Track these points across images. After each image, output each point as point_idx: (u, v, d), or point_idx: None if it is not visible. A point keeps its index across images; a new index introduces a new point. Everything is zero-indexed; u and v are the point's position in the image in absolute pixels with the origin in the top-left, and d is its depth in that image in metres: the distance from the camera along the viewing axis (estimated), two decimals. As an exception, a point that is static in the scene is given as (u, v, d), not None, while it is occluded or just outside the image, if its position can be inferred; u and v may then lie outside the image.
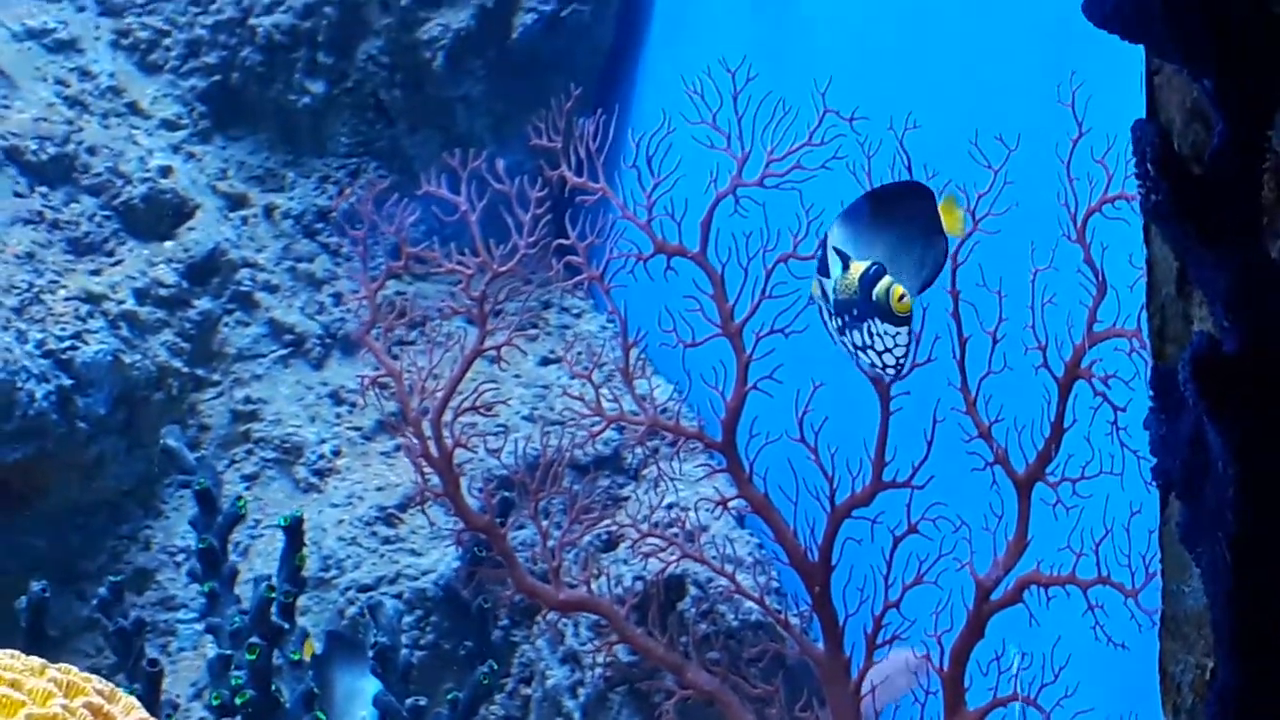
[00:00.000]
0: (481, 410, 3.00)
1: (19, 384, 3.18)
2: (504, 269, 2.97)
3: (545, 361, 3.79)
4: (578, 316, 3.95)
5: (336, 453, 3.66)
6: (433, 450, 2.99)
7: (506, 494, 3.20)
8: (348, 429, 3.70)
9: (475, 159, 3.09)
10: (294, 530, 3.01)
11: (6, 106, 3.57)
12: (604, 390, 3.00)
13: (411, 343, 3.67)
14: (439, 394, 3.00)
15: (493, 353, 3.02)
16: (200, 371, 3.66)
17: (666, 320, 2.90)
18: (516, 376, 3.63)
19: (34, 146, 3.53)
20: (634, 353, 2.98)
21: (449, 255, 3.09)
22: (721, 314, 2.87)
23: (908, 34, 3.20)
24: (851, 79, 3.03)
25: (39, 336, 3.29)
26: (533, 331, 3.67)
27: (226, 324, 3.72)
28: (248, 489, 3.58)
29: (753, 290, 2.86)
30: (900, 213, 2.39)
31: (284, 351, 3.77)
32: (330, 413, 3.72)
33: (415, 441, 2.99)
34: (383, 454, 3.66)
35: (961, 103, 3.03)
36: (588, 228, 2.97)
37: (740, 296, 2.88)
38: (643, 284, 2.91)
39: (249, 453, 3.65)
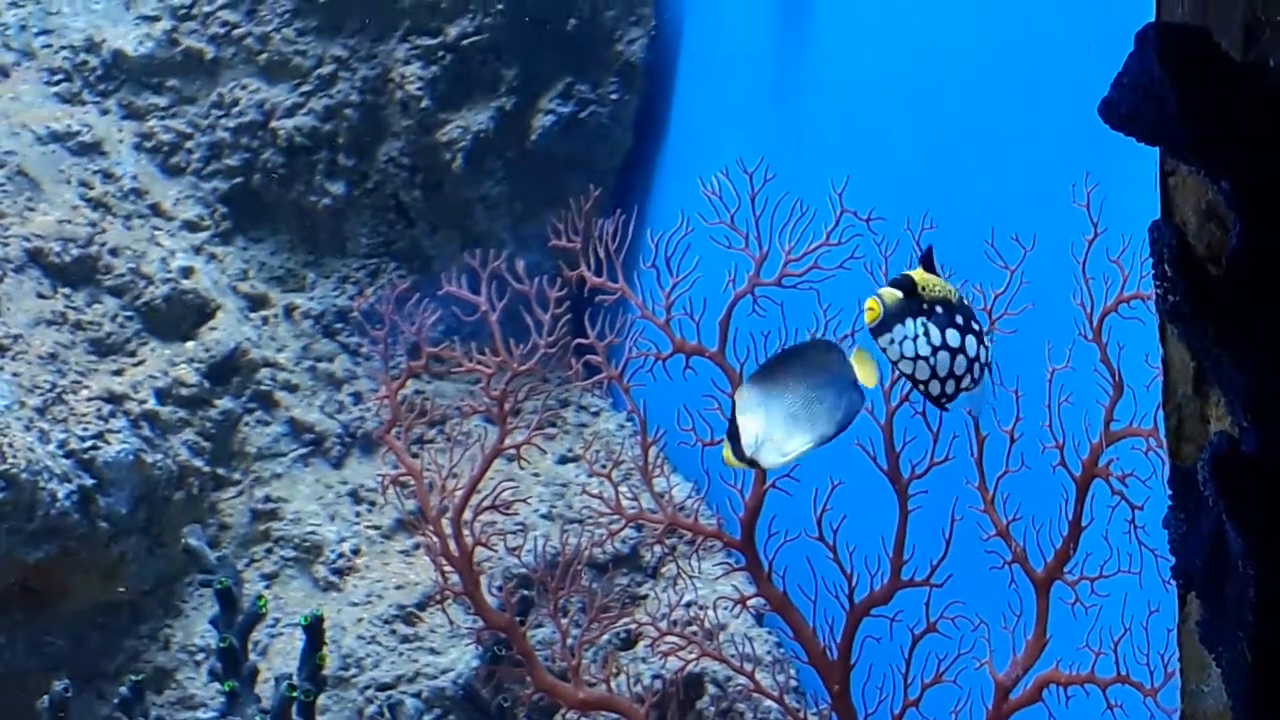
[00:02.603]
0: (501, 509, 3.01)
1: (42, 484, 3.19)
2: (524, 368, 2.99)
3: (563, 460, 3.81)
4: (595, 415, 3.97)
5: (356, 551, 3.67)
6: (453, 549, 3.00)
7: (526, 592, 3.21)
8: (367, 527, 3.71)
9: (495, 259, 3.12)
10: (314, 629, 3.02)
11: (31, 209, 3.60)
12: (622, 488, 3.01)
13: (431, 441, 3.69)
14: (459, 493, 3.01)
15: (512, 451, 3.03)
16: (221, 470, 3.67)
17: (685, 419, 2.91)
18: (535, 474, 3.64)
19: (57, 248, 3.56)
20: (653, 451, 2.99)
21: (469, 354, 3.12)
22: (738, 411, 2.89)
23: (924, 135, 3.23)
24: (868, 179, 3.06)
25: (61, 437, 3.31)
26: (551, 430, 3.68)
27: (247, 423, 3.74)
28: (267, 587, 3.59)
29: (772, 388, 2.88)
30: (812, 364, 2.41)
31: (304, 450, 3.78)
32: (350, 511, 3.73)
33: (435, 540, 3.00)
34: (402, 552, 3.67)
35: (977, 203, 3.05)
36: (607, 327, 3.00)
37: (759, 396, 2.90)
38: (661, 383, 2.93)
39: (269, 551, 3.66)
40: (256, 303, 3.90)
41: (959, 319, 2.28)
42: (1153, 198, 1.71)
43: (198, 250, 3.85)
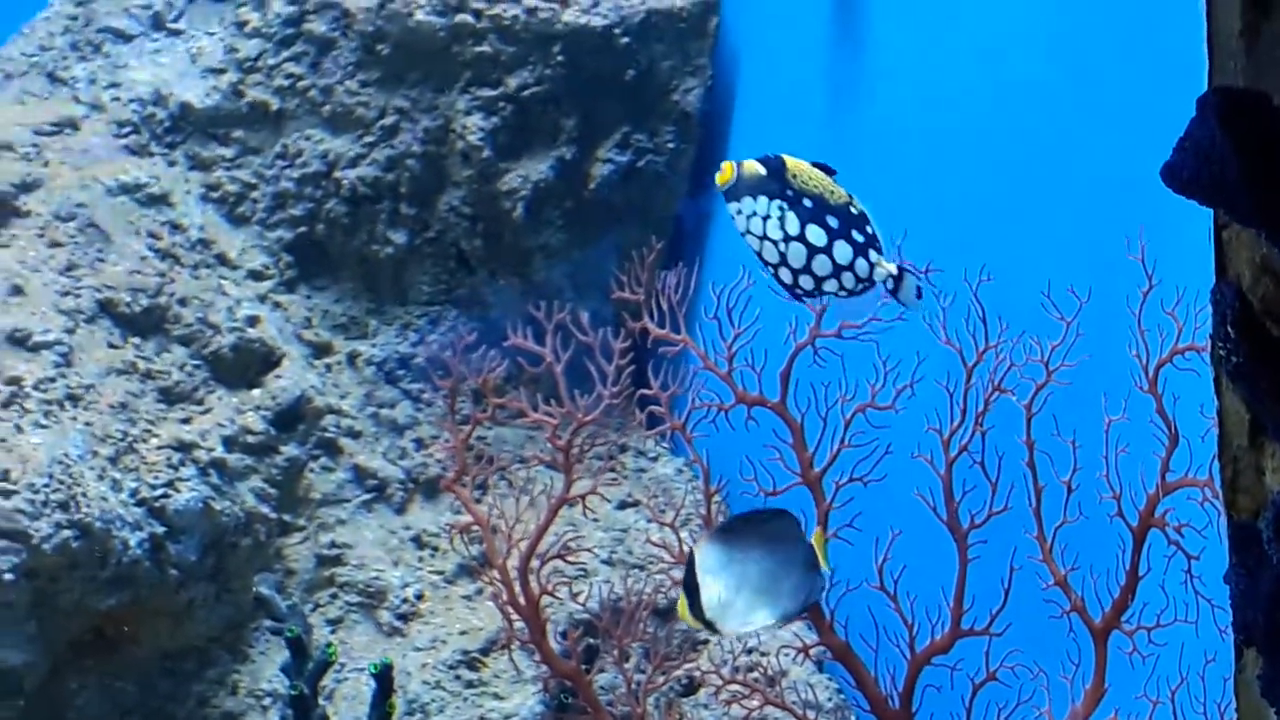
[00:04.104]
0: (567, 559, 3.06)
1: (114, 533, 3.24)
2: (589, 419, 3.04)
3: (623, 505, 3.85)
4: (654, 460, 4.01)
5: (420, 596, 3.72)
6: (519, 597, 3.05)
7: (591, 640, 3.25)
8: (430, 572, 3.76)
9: (559, 310, 3.18)
10: (384, 677, 3.07)
11: (101, 260, 3.66)
12: (683, 533, 3.06)
13: (493, 486, 3.73)
14: (525, 542, 3.06)
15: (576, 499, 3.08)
16: (286, 517, 3.72)
17: (747, 469, 2.96)
18: (595, 520, 3.68)
19: (127, 299, 3.62)
20: (715, 499, 3.04)
21: (534, 404, 3.17)
22: (801, 462, 2.94)
23: (981, 188, 3.27)
24: (925, 231, 3.10)
25: (133, 485, 3.36)
26: (610, 475, 3.72)
27: (312, 469, 3.79)
28: (333, 633, 3.63)
29: (831, 439, 2.93)
30: (775, 536, 2.43)
31: (367, 496, 3.84)
32: (413, 556, 3.78)
33: (502, 588, 3.05)
34: (464, 597, 3.72)
35: (1034, 255, 3.09)
36: (669, 377, 3.05)
37: (819, 445, 2.95)
38: (723, 432, 2.98)
39: (334, 597, 3.71)
40: (320, 350, 3.96)
41: (833, 221, 2.30)
42: (1205, 251, 1.75)
43: (263, 299, 3.90)
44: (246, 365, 3.76)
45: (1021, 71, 3.16)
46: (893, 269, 2.36)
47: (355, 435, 3.88)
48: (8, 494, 3.09)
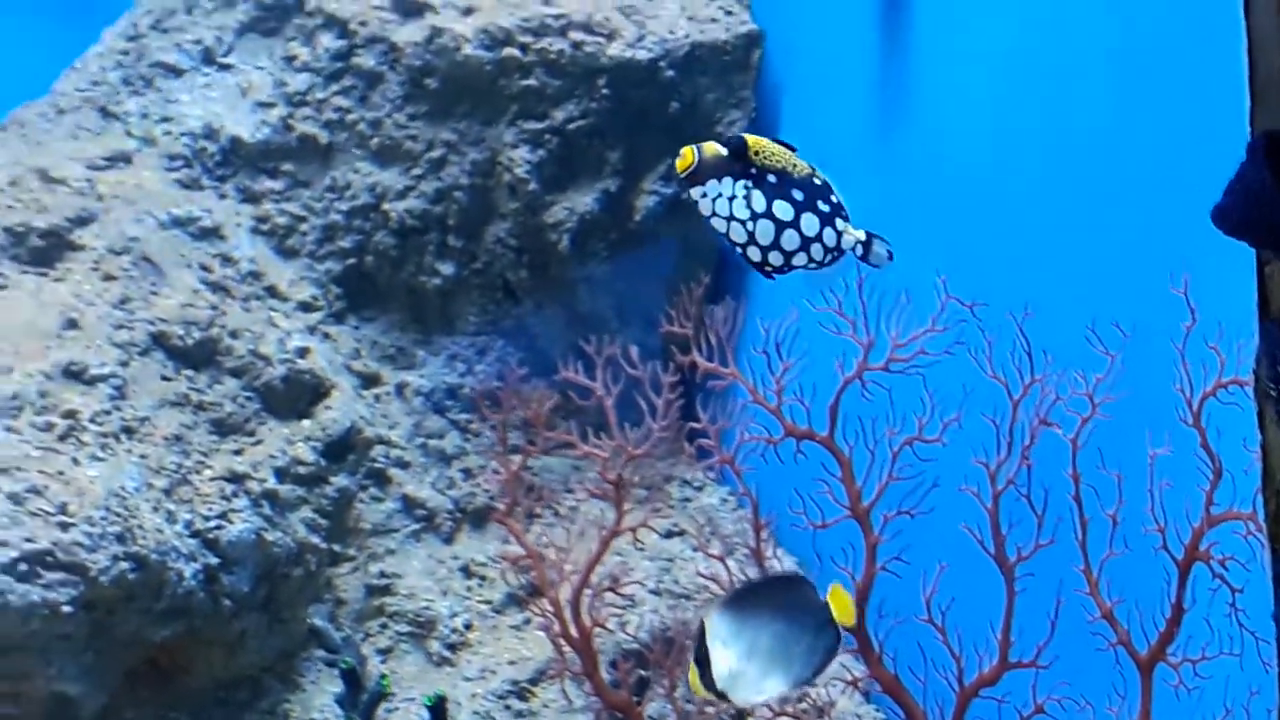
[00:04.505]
0: (619, 592, 3.09)
1: (169, 564, 3.28)
2: (639, 452, 3.07)
3: (669, 534, 3.88)
4: (699, 490, 4.04)
5: (468, 626, 3.75)
6: (571, 628, 3.08)
7: (642, 671, 3.27)
8: (479, 602, 3.79)
9: (606, 342, 3.21)
10: (438, 710, 3.10)
11: (154, 293, 3.71)
12: (730, 562, 3.09)
13: (539, 515, 3.76)
14: (577, 575, 3.09)
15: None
16: (337, 547, 3.76)
17: (795, 501, 2.99)
18: (641, 549, 3.71)
19: (180, 331, 3.66)
20: (763, 532, 3.07)
21: (581, 434, 3.21)
22: (850, 495, 2.97)
23: (1026, 222, 3.29)
24: (970, 265, 3.14)
25: (187, 517, 3.40)
26: (652, 503, 3.75)
27: (362, 500, 3.83)
28: (383, 662, 3.67)
29: (880, 473, 2.96)
30: (785, 599, 2.44)
31: (416, 526, 3.87)
32: (461, 586, 3.82)
33: (554, 620, 3.08)
34: (513, 627, 3.75)
35: (1078, 290, 3.12)
36: (718, 411, 3.08)
37: (867, 478, 2.98)
38: (772, 465, 3.01)
39: (384, 626, 3.74)
40: (369, 381, 4.00)
41: (798, 194, 2.31)
42: (1247, 287, 1.78)
43: (312, 330, 3.94)
44: (297, 396, 3.80)
45: (1066, 107, 3.19)
46: (860, 235, 2.36)
47: (404, 465, 3.92)
48: (66, 527, 3.13)
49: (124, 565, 3.18)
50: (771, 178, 2.28)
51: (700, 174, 2.28)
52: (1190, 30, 2.85)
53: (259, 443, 3.67)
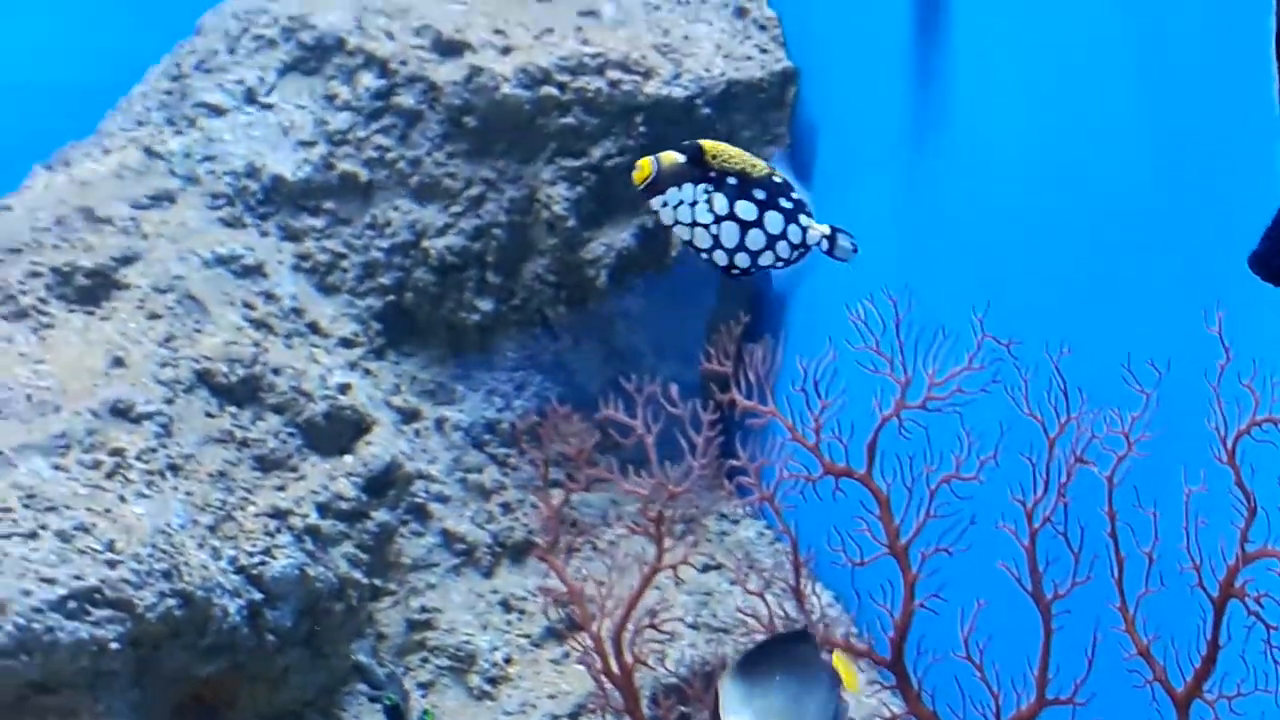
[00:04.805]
0: (659, 627, 3.12)
1: (214, 600, 3.32)
2: (680, 490, 3.10)
3: (706, 568, 3.91)
4: (735, 523, 4.08)
5: (508, 660, 3.78)
6: (613, 665, 3.11)
7: (683, 708, 3.30)
8: (518, 636, 3.82)
9: (644, 377, 3.25)
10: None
11: (198, 331, 3.75)
12: (768, 597, 3.11)
13: (578, 549, 3.80)
14: (618, 611, 3.12)
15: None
16: (378, 581, 3.80)
17: (834, 538, 3.02)
18: (679, 583, 3.74)
19: (224, 368, 3.71)
20: (803, 570, 3.10)
21: (614, 466, 3.24)
22: (888, 533, 2.99)
23: (1059, 261, 3.32)
24: (1007, 302, 3.16)
25: (231, 553, 3.44)
26: (692, 538, 3.78)
27: (402, 534, 3.87)
28: (424, 696, 3.70)
29: (917, 510, 2.98)
30: (795, 661, 2.45)
31: (456, 561, 3.91)
32: (501, 620, 3.85)
33: (596, 658, 3.11)
34: (552, 661, 3.78)
35: (1114, 328, 3.14)
36: (757, 448, 3.11)
37: (906, 516, 3.00)
38: (811, 502, 3.04)
39: (424, 660, 3.78)
40: (409, 416, 4.04)
41: (760, 193, 2.31)
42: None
43: (353, 366, 3.99)
44: (338, 432, 3.84)
45: (1103, 145, 3.21)
46: (825, 229, 2.42)
47: (444, 500, 3.96)
48: (113, 564, 3.17)
49: (170, 602, 3.22)
50: (731, 180, 2.34)
51: (660, 183, 2.32)
52: (1230, 76, 2.87)
53: (301, 478, 3.71)
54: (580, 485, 3.25)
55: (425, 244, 4.08)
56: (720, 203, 2.30)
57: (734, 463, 3.11)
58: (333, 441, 3.83)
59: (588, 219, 4.10)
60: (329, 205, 4.11)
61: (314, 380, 3.84)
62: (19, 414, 3.44)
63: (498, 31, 4.17)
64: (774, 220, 2.32)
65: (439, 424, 4.06)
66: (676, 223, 2.32)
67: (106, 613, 3.13)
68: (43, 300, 3.74)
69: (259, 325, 3.87)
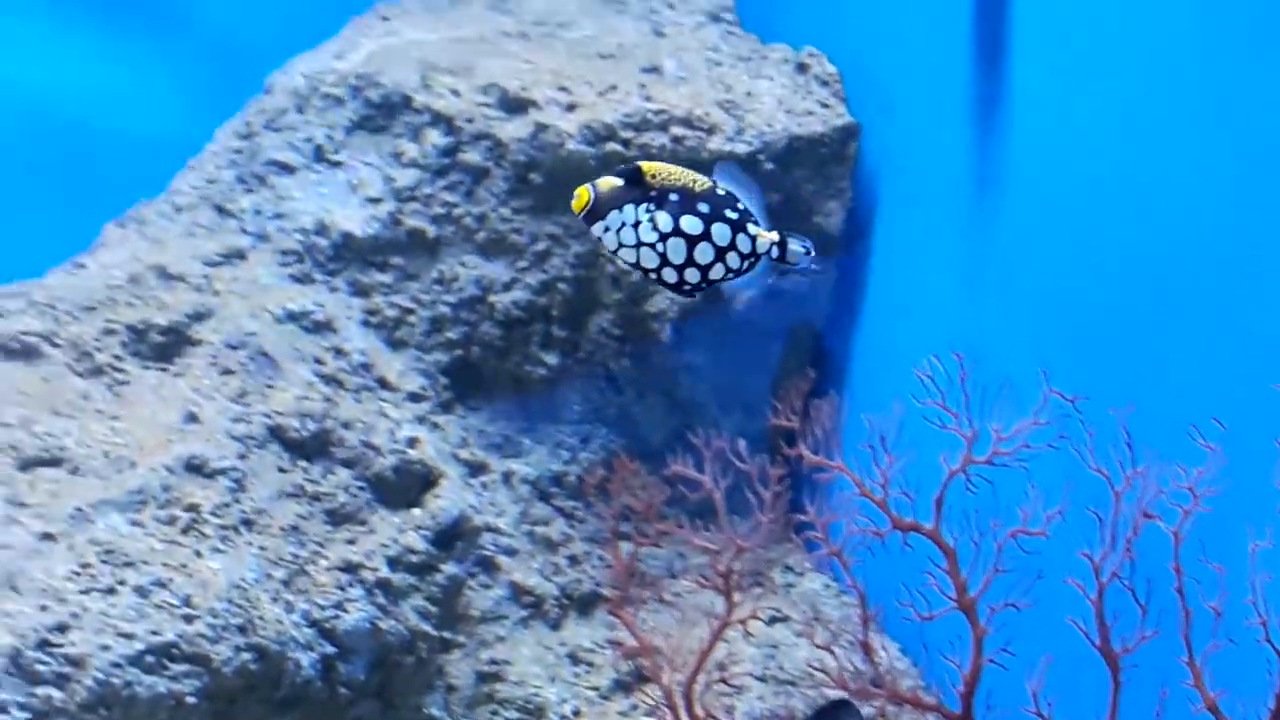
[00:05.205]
0: (729, 681, 3.15)
1: (288, 654, 3.37)
2: (749, 545, 3.13)
3: (773, 620, 3.94)
4: (800, 575, 4.10)
5: (577, 713, 3.81)
6: (683, 719, 3.13)
7: (754, 761, 3.34)
8: (586, 688, 3.85)
9: (709, 431, 3.28)
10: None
11: (270, 386, 3.81)
12: (836, 650, 3.14)
13: (645, 602, 3.82)
14: (688, 664, 3.15)
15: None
16: (447, 634, 3.83)
17: (901, 592, 3.04)
18: (748, 636, 3.76)
19: (296, 424, 3.76)
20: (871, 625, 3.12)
21: (693, 528, 3.28)
22: (956, 587, 3.02)
23: (1124, 313, 3.33)
24: (1070, 356, 3.19)
25: (305, 607, 3.49)
26: (758, 590, 3.81)
27: (471, 587, 3.90)
28: (495, 749, 3.74)
29: (985, 565, 3.01)
30: None
31: (524, 613, 3.94)
32: (569, 672, 3.88)
33: (666, 711, 3.14)
34: (620, 714, 3.80)
35: (1178, 383, 3.16)
36: (823, 503, 3.14)
37: (973, 571, 3.03)
38: (879, 557, 3.06)
39: (494, 713, 3.80)
40: (476, 469, 4.08)
41: (704, 207, 2.28)
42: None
43: (421, 420, 4.03)
44: (407, 486, 3.88)
45: (1166, 200, 3.23)
46: (774, 236, 2.36)
47: (511, 553, 3.99)
48: (190, 619, 3.22)
49: (246, 656, 3.27)
50: (674, 196, 2.29)
51: (599, 209, 2.28)
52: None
53: (371, 532, 3.76)
54: (650, 540, 3.28)
55: (491, 299, 4.13)
56: (664, 220, 2.26)
57: (802, 517, 3.14)
58: (402, 495, 3.87)
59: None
60: (397, 261, 4.16)
61: (383, 434, 3.88)
62: (96, 470, 3.50)
63: (562, 89, 4.22)
64: (721, 232, 2.29)
65: (506, 477, 4.10)
66: (620, 245, 2.28)
67: (184, 667, 3.18)
68: (118, 357, 3.81)
69: (329, 380, 3.92)
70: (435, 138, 4.19)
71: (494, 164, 4.16)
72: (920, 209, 4.08)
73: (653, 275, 2.33)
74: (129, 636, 3.14)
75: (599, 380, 4.22)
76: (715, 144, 4.14)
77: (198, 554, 3.38)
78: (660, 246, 2.28)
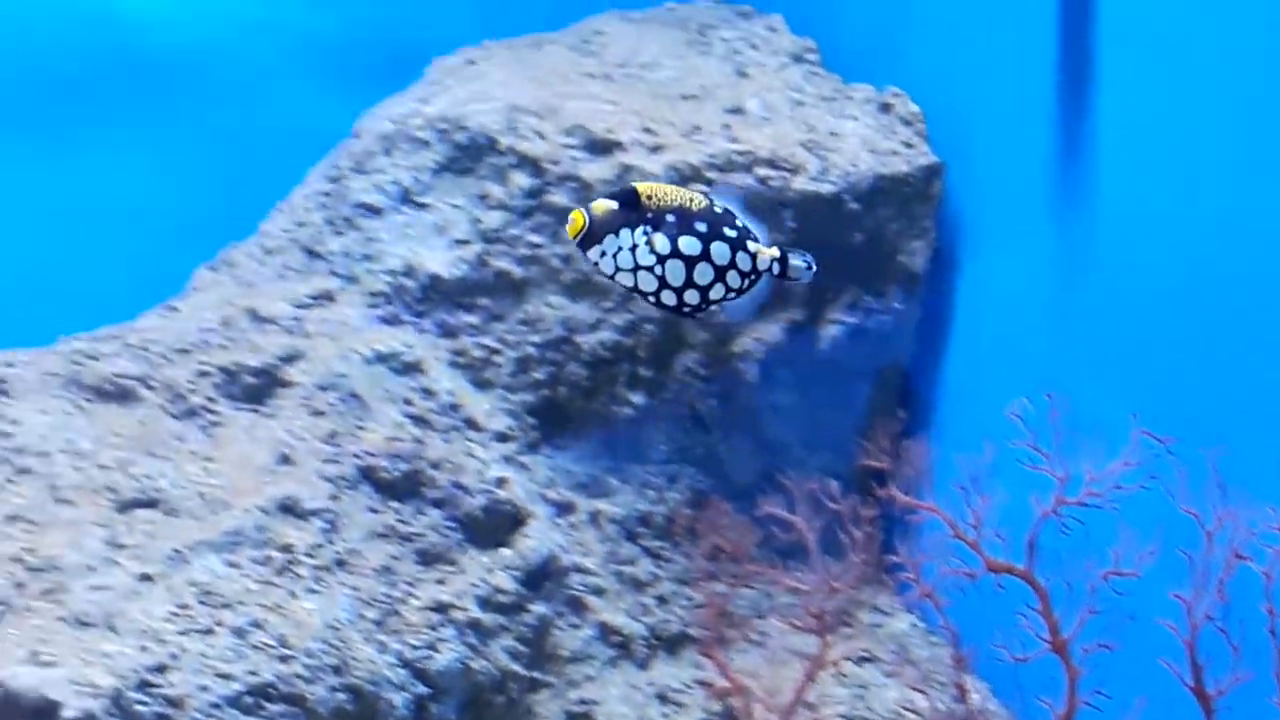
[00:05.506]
0: (821, 722, 3.16)
1: (382, 694, 3.40)
2: (843, 587, 3.14)
3: (861, 660, 3.94)
4: (888, 615, 4.10)
5: (665, 752, 3.83)
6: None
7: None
8: (674, 728, 3.87)
9: (804, 476, 3.30)
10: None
11: (361, 427, 3.85)
12: (928, 691, 3.14)
13: (733, 642, 3.84)
14: (781, 705, 3.16)
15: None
16: (537, 674, 3.85)
17: (992, 633, 3.04)
18: (841, 676, 3.76)
19: (386, 464, 3.79)
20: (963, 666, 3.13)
21: (774, 563, 3.29)
22: (1049, 628, 3.02)
23: (1215, 357, 3.34)
24: (1160, 398, 3.19)
25: (397, 647, 3.52)
26: (847, 630, 3.82)
27: (559, 627, 3.92)
28: (584, 789, 3.76)
29: (1078, 606, 3.01)
30: None
31: (613, 653, 3.96)
32: (657, 712, 3.89)
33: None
34: (709, 753, 3.83)
35: (1268, 423, 3.16)
36: (914, 544, 3.15)
37: (1066, 612, 3.03)
38: (971, 597, 3.07)
39: (584, 752, 3.83)
40: (563, 509, 4.10)
41: (701, 226, 2.23)
42: None
43: (509, 460, 4.05)
44: (496, 526, 3.90)
45: (1257, 240, 3.23)
46: (775, 252, 2.32)
47: (600, 593, 4.01)
48: (286, 659, 3.26)
49: (341, 696, 3.30)
50: (670, 217, 2.24)
51: (595, 234, 2.24)
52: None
53: (461, 572, 3.78)
54: (742, 582, 3.29)
55: (577, 339, 4.15)
56: (661, 242, 2.20)
57: (894, 558, 3.15)
58: (490, 535, 3.89)
59: (737, 313, 4.16)
60: (483, 302, 4.18)
61: (472, 475, 3.91)
62: (192, 511, 3.54)
63: (647, 130, 4.25)
64: (720, 251, 2.24)
65: (593, 517, 4.12)
66: (618, 270, 2.23)
67: (280, 707, 3.22)
68: (211, 399, 3.85)
69: (418, 421, 3.95)
70: (521, 180, 4.22)
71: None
72: (1006, 248, 4.09)
73: (651, 299, 2.28)
74: (227, 677, 3.17)
75: (685, 420, 4.23)
76: (800, 184, 4.16)
77: (292, 595, 3.41)
78: (658, 269, 2.24)
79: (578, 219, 2.25)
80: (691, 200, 2.27)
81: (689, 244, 2.25)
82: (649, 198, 2.26)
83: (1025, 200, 3.99)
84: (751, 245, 2.31)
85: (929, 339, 4.26)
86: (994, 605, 3.06)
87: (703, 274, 2.26)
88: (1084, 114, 3.75)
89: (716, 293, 2.29)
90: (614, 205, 2.26)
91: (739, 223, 2.30)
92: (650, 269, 2.24)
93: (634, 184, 2.27)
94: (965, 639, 3.16)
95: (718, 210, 2.28)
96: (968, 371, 4.16)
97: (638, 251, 2.24)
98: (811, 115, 4.36)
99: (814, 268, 2.38)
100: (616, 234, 2.24)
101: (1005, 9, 4.07)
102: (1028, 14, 3.90)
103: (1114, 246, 3.67)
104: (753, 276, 2.31)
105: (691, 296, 2.28)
